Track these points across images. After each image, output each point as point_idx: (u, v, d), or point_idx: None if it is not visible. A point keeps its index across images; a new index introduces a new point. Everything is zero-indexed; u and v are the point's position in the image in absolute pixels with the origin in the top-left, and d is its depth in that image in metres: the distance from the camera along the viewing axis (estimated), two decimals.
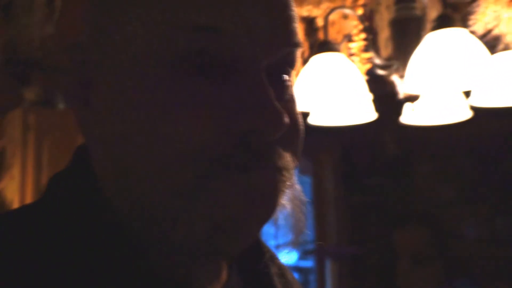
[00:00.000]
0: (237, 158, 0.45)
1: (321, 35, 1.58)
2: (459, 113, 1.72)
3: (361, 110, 1.65)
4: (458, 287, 3.76)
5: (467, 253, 3.95)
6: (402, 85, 1.42)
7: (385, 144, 4.34)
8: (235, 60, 0.45)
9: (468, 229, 4.04)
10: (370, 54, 1.55)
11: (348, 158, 4.40)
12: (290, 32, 0.48)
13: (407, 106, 1.60)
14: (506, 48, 1.34)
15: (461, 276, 3.91)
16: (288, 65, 0.49)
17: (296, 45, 0.49)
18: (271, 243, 4.75)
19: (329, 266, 4.29)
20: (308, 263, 4.62)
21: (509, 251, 3.81)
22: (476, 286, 3.67)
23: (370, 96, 1.56)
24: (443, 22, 1.21)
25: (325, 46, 1.38)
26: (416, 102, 1.51)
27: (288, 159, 0.49)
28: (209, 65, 0.45)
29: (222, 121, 0.44)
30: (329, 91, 1.51)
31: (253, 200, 0.46)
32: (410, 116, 1.67)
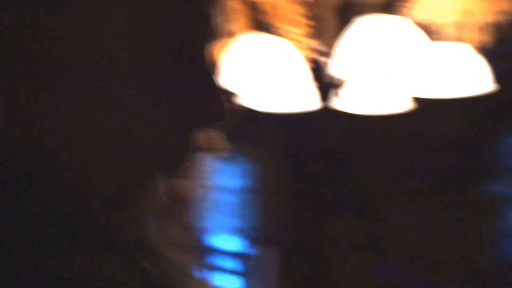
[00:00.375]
0: (171, 158, 0.43)
1: (264, 18, 1.55)
2: (396, 104, 1.73)
3: (305, 97, 1.63)
4: (391, 274, 3.87)
5: (402, 242, 4.06)
6: (332, 70, 1.41)
7: (328, 132, 4.39)
8: (198, 44, 0.43)
9: (403, 219, 4.15)
10: (312, 41, 1.54)
11: (291, 145, 4.42)
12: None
13: (332, 92, 1.59)
14: (439, 38, 1.35)
15: (394, 264, 4.02)
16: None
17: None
18: (210, 229, 4.73)
19: (269, 253, 4.31)
20: (250, 250, 4.62)
21: (443, 240, 3.94)
22: (407, 274, 3.78)
23: (313, 84, 1.54)
24: (378, 8, 1.20)
25: (267, 28, 1.36)
26: (340, 88, 1.51)
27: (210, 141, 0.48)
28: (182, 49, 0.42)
29: (174, 109, 0.42)
30: (271, 75, 1.47)
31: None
32: (344, 102, 1.67)
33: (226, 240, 4.84)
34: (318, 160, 4.41)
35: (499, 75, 3.22)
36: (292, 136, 4.40)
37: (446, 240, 3.87)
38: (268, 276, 4.32)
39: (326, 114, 4.50)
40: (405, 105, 1.68)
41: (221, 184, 4.82)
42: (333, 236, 4.28)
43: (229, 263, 4.81)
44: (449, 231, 3.86)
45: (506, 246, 3.74)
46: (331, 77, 1.44)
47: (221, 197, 4.84)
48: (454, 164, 3.92)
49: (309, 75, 1.56)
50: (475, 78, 1.50)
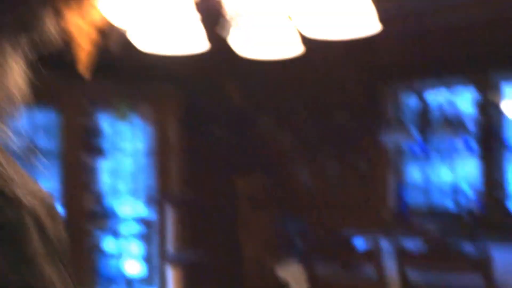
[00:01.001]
0: None
1: None
2: (289, 47, 1.72)
3: (191, 38, 1.58)
4: (291, 228, 3.99)
5: (301, 198, 4.19)
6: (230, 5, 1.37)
7: (229, 94, 4.39)
8: None
9: (303, 176, 4.25)
10: None
11: (192, 106, 4.36)
12: None
13: (226, 23, 1.56)
14: None
15: (294, 219, 4.15)
16: None
17: None
18: (109, 193, 4.57)
19: (170, 214, 4.27)
20: (151, 213, 4.56)
21: (339, 196, 4.09)
22: (306, 228, 3.92)
23: (198, 20, 1.49)
24: None
25: None
26: (232, 25, 1.48)
27: None
28: None
29: None
30: (157, 13, 1.41)
31: None
32: (239, 45, 1.64)
33: (125, 204, 4.72)
34: (220, 120, 4.41)
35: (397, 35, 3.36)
36: (192, 96, 4.35)
37: (348, 192, 4.04)
38: (169, 237, 4.28)
39: (227, 75, 4.46)
40: (296, 50, 1.68)
41: (119, 146, 4.67)
42: (237, 194, 4.32)
43: (129, 227, 4.71)
44: (351, 183, 4.03)
45: (403, 194, 3.97)
46: (225, 14, 1.40)
47: (119, 160, 4.70)
48: (353, 119, 4.08)
49: (196, 15, 1.51)
50: (361, 19, 1.53)
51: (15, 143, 0.42)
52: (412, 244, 2.66)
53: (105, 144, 4.25)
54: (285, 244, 3.41)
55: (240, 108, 4.50)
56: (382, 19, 1.61)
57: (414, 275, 2.57)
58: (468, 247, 2.50)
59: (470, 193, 3.77)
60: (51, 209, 0.40)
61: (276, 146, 4.38)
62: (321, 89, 4.20)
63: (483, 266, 2.38)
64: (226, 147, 4.42)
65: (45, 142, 3.92)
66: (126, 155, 4.74)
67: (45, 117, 3.95)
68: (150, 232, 4.61)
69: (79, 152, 3.66)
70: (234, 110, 4.49)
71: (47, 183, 3.65)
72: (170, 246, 4.26)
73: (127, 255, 4.67)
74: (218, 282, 4.24)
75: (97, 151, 3.79)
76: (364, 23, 1.57)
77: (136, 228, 4.73)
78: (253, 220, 4.17)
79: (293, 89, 4.31)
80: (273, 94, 4.43)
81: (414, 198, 3.98)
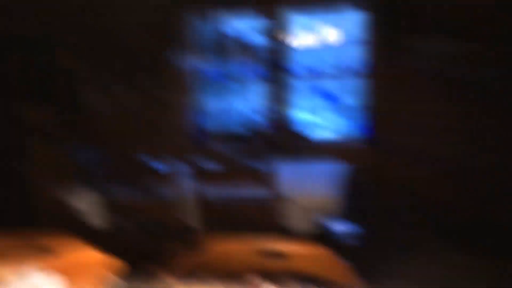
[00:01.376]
0: None
1: None
2: None
3: None
4: (84, 156, 3.86)
5: (95, 125, 4.06)
6: None
7: (17, 21, 4.00)
8: None
9: (96, 103, 4.13)
10: None
11: None
12: None
13: None
14: None
15: (88, 147, 4.00)
16: None
17: None
18: None
19: None
20: None
21: (135, 122, 4.06)
22: (101, 155, 3.82)
23: None
24: None
25: None
26: None
27: None
28: None
29: None
30: None
31: None
32: None
33: None
34: (14, 48, 4.01)
35: None
36: None
37: (144, 117, 4.02)
38: None
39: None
40: None
41: None
42: (24, 127, 4.02)
43: None
44: (147, 109, 4.01)
45: (199, 119, 4.09)
46: None
47: None
48: (148, 44, 4.01)
49: None
50: None
51: None
52: (207, 165, 2.77)
53: None
54: (79, 173, 3.29)
55: (27, 35, 4.13)
56: None
57: (210, 194, 2.70)
58: (259, 166, 2.69)
59: (259, 117, 4.03)
60: None
61: (66, 73, 4.15)
62: (114, 13, 4.06)
63: (271, 180, 2.59)
64: (14, 75, 4.06)
65: None
66: None
67: None
68: None
69: None
70: (21, 38, 4.11)
71: None
72: None
73: None
74: (8, 224, 3.96)
75: None
76: None
77: None
78: (42, 152, 3.93)
79: (85, 14, 4.08)
80: (62, 20, 4.14)
81: (209, 123, 4.12)
